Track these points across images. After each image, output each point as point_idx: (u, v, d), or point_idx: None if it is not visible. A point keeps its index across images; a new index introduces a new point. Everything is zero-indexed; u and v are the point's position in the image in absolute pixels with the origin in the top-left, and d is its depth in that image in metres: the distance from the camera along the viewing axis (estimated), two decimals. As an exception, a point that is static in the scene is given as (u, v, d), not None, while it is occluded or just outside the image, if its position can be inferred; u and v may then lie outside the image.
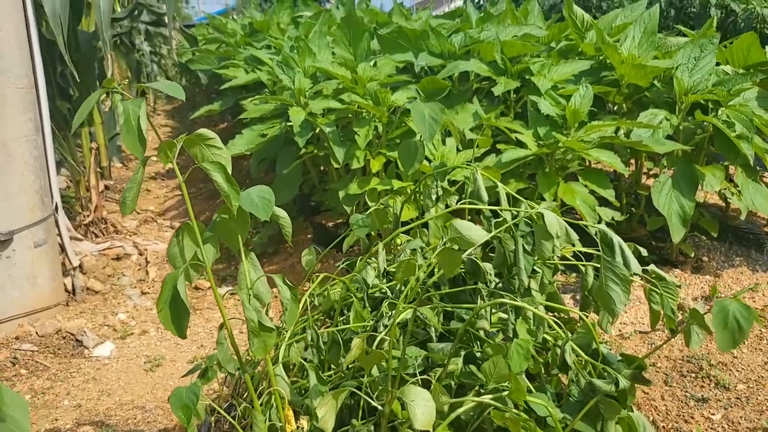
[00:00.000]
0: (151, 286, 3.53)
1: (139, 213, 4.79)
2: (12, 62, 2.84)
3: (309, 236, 3.73)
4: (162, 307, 1.24)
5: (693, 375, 2.14)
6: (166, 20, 8.14)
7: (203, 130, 1.33)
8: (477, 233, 1.14)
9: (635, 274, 1.43)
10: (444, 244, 1.16)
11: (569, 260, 1.68)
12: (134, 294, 3.40)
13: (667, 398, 2.05)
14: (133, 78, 6.92)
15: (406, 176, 2.75)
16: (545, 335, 1.50)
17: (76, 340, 2.84)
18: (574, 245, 1.69)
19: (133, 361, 2.72)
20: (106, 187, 5.10)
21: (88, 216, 4.08)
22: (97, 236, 4.07)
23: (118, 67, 6.42)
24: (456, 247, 1.18)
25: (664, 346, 2.29)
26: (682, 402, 2.02)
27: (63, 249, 3.36)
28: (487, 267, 1.41)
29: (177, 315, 1.23)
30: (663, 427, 1.93)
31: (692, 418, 1.94)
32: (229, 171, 1.32)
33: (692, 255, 2.90)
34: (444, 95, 3.00)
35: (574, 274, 2.82)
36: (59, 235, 3.33)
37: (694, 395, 2.04)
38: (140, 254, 3.91)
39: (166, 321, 1.24)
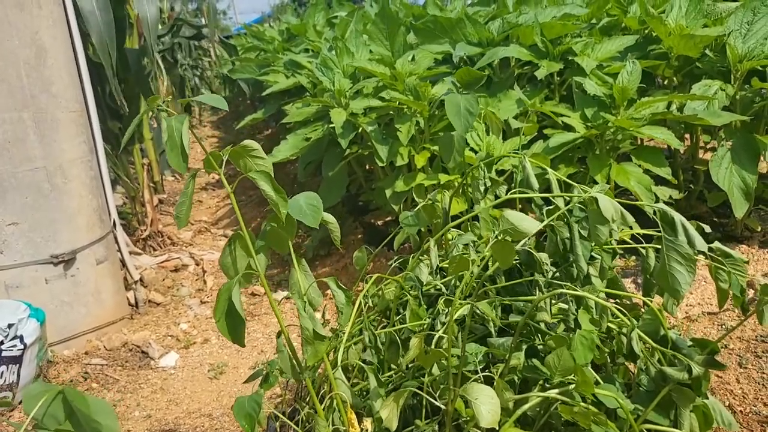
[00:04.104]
0: (210, 295, 3.60)
1: (193, 224, 4.90)
2: (62, 88, 2.93)
3: (359, 236, 3.74)
4: (219, 318, 1.25)
5: (769, 355, 2.04)
6: (205, 33, 8.31)
7: (247, 141, 1.34)
8: (529, 224, 1.11)
9: (700, 252, 1.36)
10: (496, 237, 1.13)
11: (628, 243, 1.62)
12: (194, 304, 3.48)
13: (742, 381, 1.96)
14: (177, 93, 7.09)
15: (452, 169, 2.72)
16: (609, 323, 1.45)
17: (142, 352, 2.93)
18: (631, 228, 1.63)
19: (198, 370, 2.78)
20: (160, 201, 5.25)
21: (144, 230, 4.21)
22: (154, 249, 4.19)
23: (162, 83, 6.59)
24: (508, 239, 1.15)
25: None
26: (759, 384, 1.93)
27: (124, 264, 3.46)
28: (542, 257, 1.37)
29: (233, 325, 1.24)
30: (740, 411, 1.84)
31: (772, 400, 1.85)
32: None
33: (758, 229, 2.77)
34: (484, 84, 2.95)
35: (634, 258, 2.73)
36: (119, 251, 3.44)
37: (772, 376, 1.94)
38: (197, 264, 4.00)
39: (223, 331, 1.25)
